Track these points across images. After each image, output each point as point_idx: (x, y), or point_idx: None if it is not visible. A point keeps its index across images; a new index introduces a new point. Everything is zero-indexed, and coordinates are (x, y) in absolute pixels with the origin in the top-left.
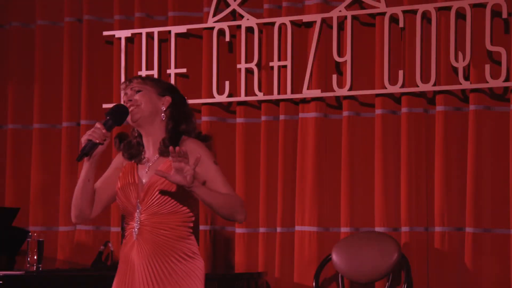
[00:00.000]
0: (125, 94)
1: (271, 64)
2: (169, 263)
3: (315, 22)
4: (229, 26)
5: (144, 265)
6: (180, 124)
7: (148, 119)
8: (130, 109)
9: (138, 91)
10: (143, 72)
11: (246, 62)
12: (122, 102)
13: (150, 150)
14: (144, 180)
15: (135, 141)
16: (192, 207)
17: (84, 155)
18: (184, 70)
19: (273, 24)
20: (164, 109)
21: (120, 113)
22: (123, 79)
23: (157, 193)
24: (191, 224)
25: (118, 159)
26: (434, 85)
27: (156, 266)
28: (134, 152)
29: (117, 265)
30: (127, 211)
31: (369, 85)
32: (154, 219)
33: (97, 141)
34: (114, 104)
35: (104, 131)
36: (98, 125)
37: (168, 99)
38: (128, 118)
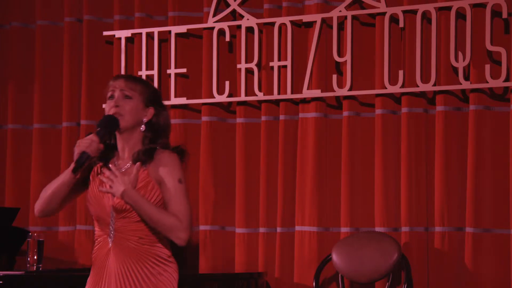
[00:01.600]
0: (112, 91)
1: (271, 64)
2: (147, 267)
3: (315, 22)
4: (229, 26)
5: (122, 271)
6: (157, 138)
7: (129, 129)
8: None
9: (127, 96)
10: (143, 72)
11: (246, 62)
12: (107, 97)
13: (124, 156)
14: None
15: (108, 143)
16: None
17: (79, 167)
18: (184, 70)
19: (273, 24)
20: (146, 121)
21: (112, 126)
22: None
23: None
24: None
25: None
26: (434, 85)
27: (135, 271)
28: (108, 155)
29: None
30: (100, 218)
31: (369, 85)
32: (129, 225)
33: (93, 155)
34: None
35: (100, 145)
36: (94, 138)
37: (151, 112)
38: None
